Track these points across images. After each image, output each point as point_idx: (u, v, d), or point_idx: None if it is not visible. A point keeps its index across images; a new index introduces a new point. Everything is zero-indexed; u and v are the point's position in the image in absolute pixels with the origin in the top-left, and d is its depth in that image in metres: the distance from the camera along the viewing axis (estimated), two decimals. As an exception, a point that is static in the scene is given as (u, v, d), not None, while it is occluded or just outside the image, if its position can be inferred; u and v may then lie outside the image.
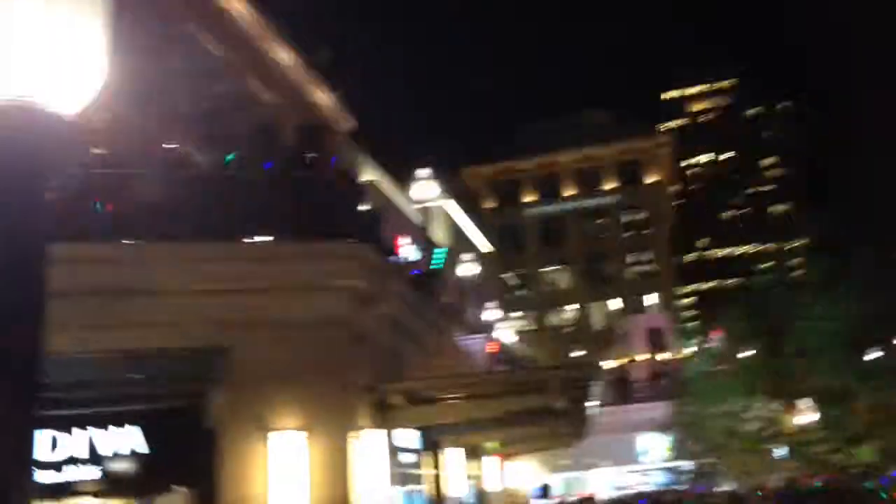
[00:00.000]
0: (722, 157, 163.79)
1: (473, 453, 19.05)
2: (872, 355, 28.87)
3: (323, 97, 27.64)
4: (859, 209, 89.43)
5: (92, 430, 9.49)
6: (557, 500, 29.97)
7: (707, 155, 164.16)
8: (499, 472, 23.07)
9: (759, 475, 27.60)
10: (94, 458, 9.46)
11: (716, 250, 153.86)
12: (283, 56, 23.95)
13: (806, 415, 26.38)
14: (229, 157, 14.63)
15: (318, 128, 16.79)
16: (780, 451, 28.38)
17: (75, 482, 9.39)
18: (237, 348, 9.70)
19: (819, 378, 27.31)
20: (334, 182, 13.24)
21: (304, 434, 9.89)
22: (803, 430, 27.00)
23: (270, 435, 9.79)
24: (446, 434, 14.83)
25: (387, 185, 28.53)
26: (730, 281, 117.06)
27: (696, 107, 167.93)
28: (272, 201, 12.30)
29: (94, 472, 9.44)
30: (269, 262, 10.54)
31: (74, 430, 9.42)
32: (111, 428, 9.54)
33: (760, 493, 24.89)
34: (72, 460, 9.41)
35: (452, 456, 15.74)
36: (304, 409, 9.95)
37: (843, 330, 26.96)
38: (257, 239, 11.38)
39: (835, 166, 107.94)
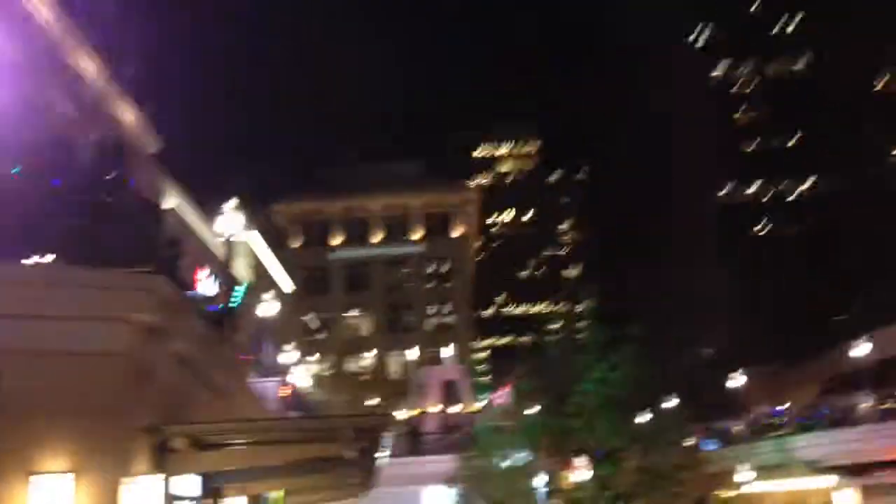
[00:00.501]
0: (524, 218, 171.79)
1: (256, 502, 18.26)
2: (642, 418, 30.94)
3: (128, 114, 26.23)
4: (636, 283, 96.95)
5: None
6: None
7: (509, 214, 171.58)
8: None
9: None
10: None
11: (512, 307, 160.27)
12: (87, 65, 22.51)
13: (581, 472, 27.58)
14: (15, 168, 13.41)
15: (119, 146, 15.78)
16: (558, 507, 29.47)
17: None
18: (8, 377, 8.70)
19: (594, 438, 28.75)
20: (131, 205, 12.45)
21: (71, 477, 9.00)
22: (579, 486, 28.21)
23: (32, 478, 8.82)
24: (230, 482, 14.08)
25: (189, 214, 27.35)
26: (523, 338, 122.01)
27: (503, 167, 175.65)
28: (59, 220, 11.37)
29: None
30: (46, 287, 9.62)
31: None
32: None
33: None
34: None
35: (233, 505, 14.95)
36: (74, 450, 9.08)
37: (617, 394, 28.69)
38: (36, 260, 10.43)
39: (615, 236, 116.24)
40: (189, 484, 12.42)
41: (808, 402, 43.96)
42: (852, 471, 35.12)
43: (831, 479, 37.52)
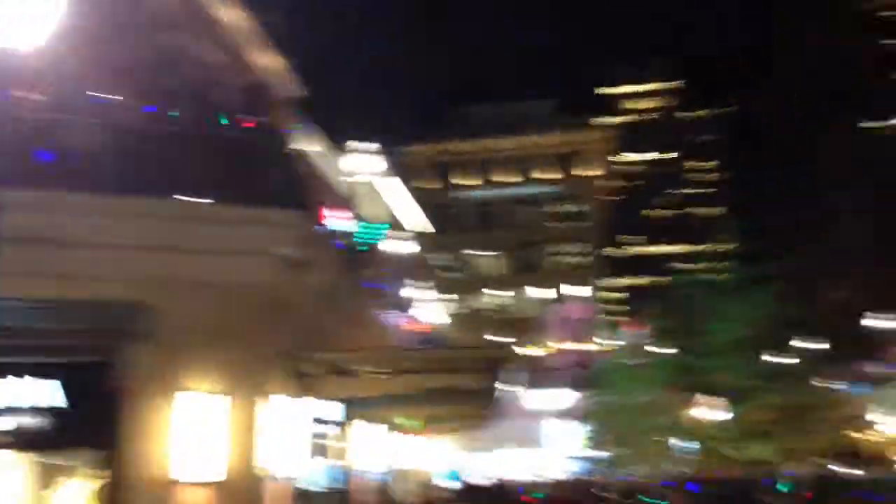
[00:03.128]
0: (658, 157, 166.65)
1: (392, 429, 19.24)
2: (777, 359, 30.17)
3: (269, 60, 27.24)
4: (780, 221, 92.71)
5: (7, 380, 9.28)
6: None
7: (643, 154, 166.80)
8: (413, 451, 23.37)
9: (665, 465, 28.61)
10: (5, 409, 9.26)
11: (648, 247, 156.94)
12: (229, 13, 23.50)
13: (713, 411, 27.37)
14: (173, 113, 14.37)
15: (261, 91, 16.61)
16: (686, 444, 29.38)
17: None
18: (159, 306, 9.62)
19: (728, 377, 28.38)
20: (275, 147, 13.20)
21: (220, 397, 9.90)
22: (710, 425, 28.02)
23: (183, 395, 9.76)
24: (364, 408, 14.97)
25: (327, 157, 28.38)
26: (656, 278, 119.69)
27: (637, 105, 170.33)
28: (207, 161, 12.21)
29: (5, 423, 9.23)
30: (198, 223, 10.49)
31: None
32: (27, 378, 9.34)
33: (670, 484, 25.72)
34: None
35: (369, 431, 15.89)
36: (222, 373, 9.96)
37: (752, 333, 28.13)
38: (189, 198, 11.30)
39: (762, 178, 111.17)
40: (328, 408, 13.35)
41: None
42: None
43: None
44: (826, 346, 37.27)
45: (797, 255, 55.96)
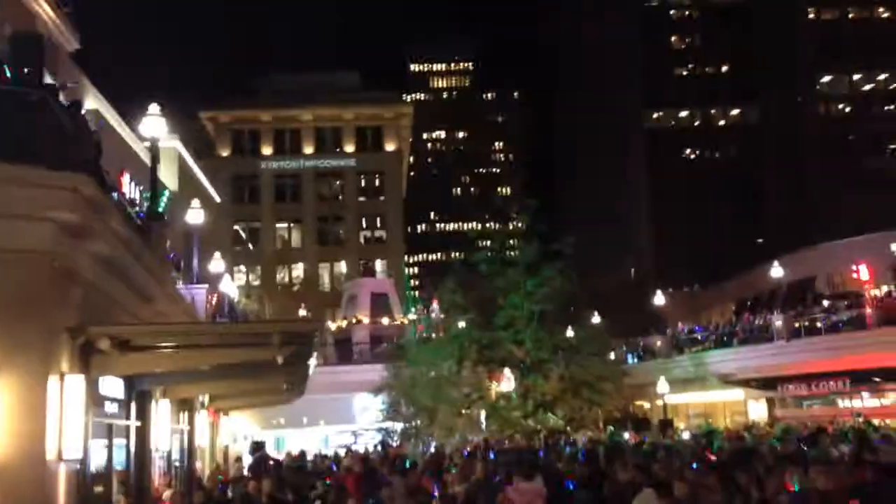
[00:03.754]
0: (458, 135, 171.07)
1: (185, 406, 18.36)
2: (568, 333, 31.99)
3: (47, 9, 24.90)
4: (566, 203, 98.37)
5: None
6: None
7: (444, 131, 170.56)
8: (210, 427, 22.49)
9: (463, 435, 29.48)
10: None
11: (444, 224, 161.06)
12: (1, -45, 21.19)
13: (507, 382, 28.48)
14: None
15: (36, 41, 15.02)
16: (482, 415, 30.43)
17: None
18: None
19: (521, 349, 29.67)
20: (51, 102, 11.95)
21: (-8, 375, 8.89)
22: (504, 396, 29.17)
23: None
24: (156, 384, 14.11)
25: (113, 118, 26.41)
26: (454, 254, 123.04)
27: (438, 83, 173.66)
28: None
29: None
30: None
31: None
32: None
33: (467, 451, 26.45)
34: None
35: (161, 408, 15.02)
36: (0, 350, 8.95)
37: (544, 308, 29.59)
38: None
39: (550, 158, 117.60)
40: (115, 386, 12.43)
41: (724, 320, 45.84)
42: (763, 384, 37.09)
43: (743, 393, 39.64)
44: (613, 321, 40.07)
45: (586, 233, 59.58)
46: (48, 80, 15.33)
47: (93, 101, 24.52)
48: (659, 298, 48.48)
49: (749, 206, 77.41)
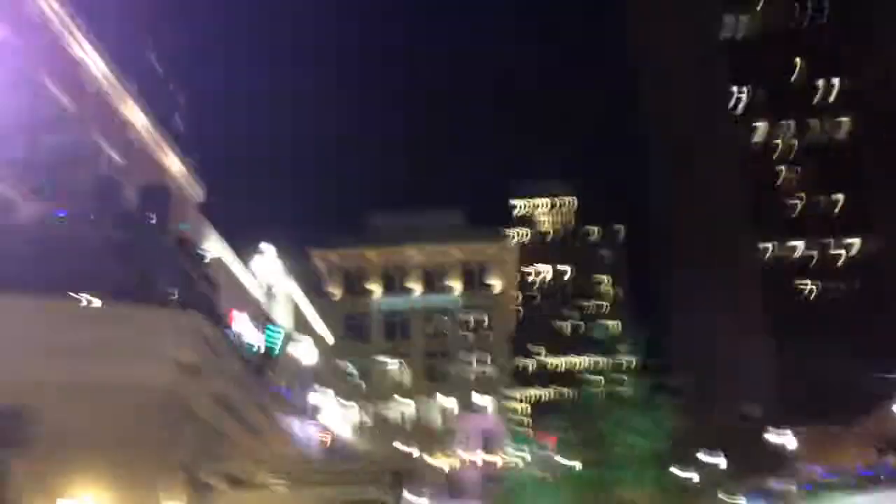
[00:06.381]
0: (559, 270, 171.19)
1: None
2: (685, 473, 30.34)
3: (173, 162, 26.88)
4: (678, 340, 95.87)
5: None
6: None
7: (548, 269, 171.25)
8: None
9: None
10: None
11: (551, 358, 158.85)
12: (135, 113, 23.19)
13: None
14: (61, 213, 13.78)
15: (163, 192, 16.19)
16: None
17: None
18: (42, 412, 8.85)
19: (633, 490, 28.27)
20: (174, 249, 12.73)
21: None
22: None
23: (60, 501, 8.90)
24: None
25: (230, 261, 27.75)
26: (562, 389, 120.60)
27: (541, 222, 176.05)
28: (104, 261, 11.65)
29: None
30: (89, 323, 9.84)
31: None
32: None
33: None
34: None
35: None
36: (110, 481, 9.16)
37: (656, 446, 28.31)
38: (80, 297, 10.66)
39: (655, 292, 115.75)
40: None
41: (861, 461, 42.58)
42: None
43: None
44: (734, 462, 37.85)
45: (700, 370, 57.45)
46: (173, 227, 16.35)
47: (216, 247, 25.93)
48: (782, 437, 45.59)
49: (874, 340, 73.33)
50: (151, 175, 23.69)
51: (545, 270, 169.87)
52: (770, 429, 50.68)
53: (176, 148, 26.91)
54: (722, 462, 37.67)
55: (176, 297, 11.45)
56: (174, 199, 18.66)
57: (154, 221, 14.11)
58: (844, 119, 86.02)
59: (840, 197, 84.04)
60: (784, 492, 40.72)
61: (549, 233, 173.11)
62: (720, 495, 29.75)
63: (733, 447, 47.31)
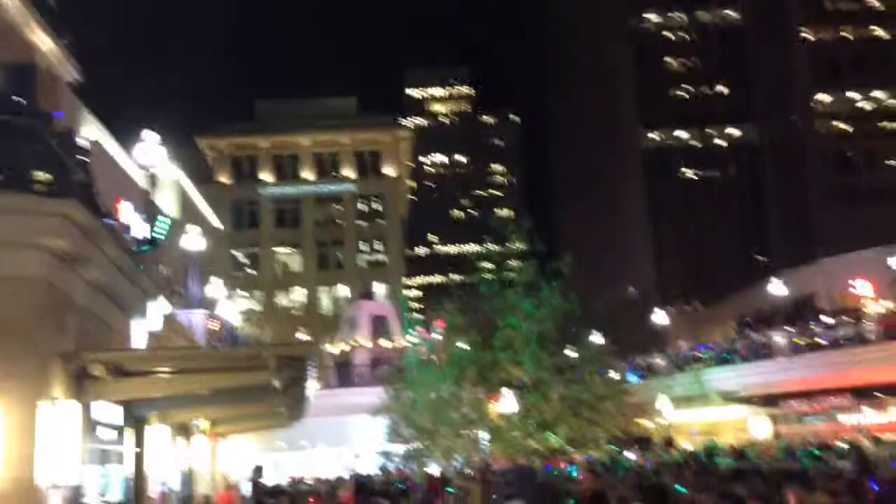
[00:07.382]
0: (457, 160, 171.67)
1: (183, 431, 18.32)
2: (568, 352, 31.82)
3: (44, 41, 25.14)
4: (564, 224, 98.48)
5: None
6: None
7: (443, 156, 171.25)
8: (209, 452, 22.41)
9: (463, 457, 29.26)
10: None
11: (444, 246, 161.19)
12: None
13: (508, 403, 28.33)
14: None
15: (30, 70, 15.18)
16: (483, 436, 30.23)
17: None
18: None
19: (521, 370, 29.54)
20: (45, 130, 12.06)
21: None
22: (503, 417, 29.00)
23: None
24: (153, 410, 14.11)
25: (111, 145, 26.55)
26: (454, 276, 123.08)
27: (436, 108, 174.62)
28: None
29: None
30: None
31: None
32: None
33: (469, 472, 26.30)
34: None
35: (158, 433, 15.00)
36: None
37: (544, 328, 29.47)
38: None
39: (546, 178, 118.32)
40: (111, 411, 12.41)
41: (725, 337, 45.69)
42: (765, 401, 36.88)
43: (745, 410, 39.37)
44: (613, 340, 39.85)
45: (585, 253, 59.64)
46: (43, 107, 15.45)
47: (93, 132, 24.67)
48: (660, 317, 48.34)
49: (748, 224, 77.63)
50: (18, 54, 22.08)
51: (440, 157, 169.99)
52: (651, 308, 53.53)
53: (47, 26, 25.09)
54: (602, 340, 39.71)
55: (45, 182, 10.93)
56: (44, 79, 17.54)
57: (24, 103, 13.28)
58: (731, 12, 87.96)
59: (724, 89, 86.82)
60: (655, 365, 43.45)
61: (446, 122, 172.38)
62: (597, 370, 31.40)
63: (616, 327, 49.90)
